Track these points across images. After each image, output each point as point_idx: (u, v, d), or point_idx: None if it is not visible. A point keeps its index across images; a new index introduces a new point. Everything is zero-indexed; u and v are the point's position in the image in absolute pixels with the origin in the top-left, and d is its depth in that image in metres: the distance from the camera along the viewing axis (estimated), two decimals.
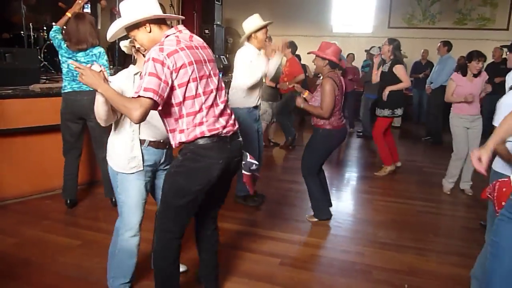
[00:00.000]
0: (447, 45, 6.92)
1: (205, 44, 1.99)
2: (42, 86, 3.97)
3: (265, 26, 3.52)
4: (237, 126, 2.03)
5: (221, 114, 1.93)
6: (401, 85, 4.83)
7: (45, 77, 4.86)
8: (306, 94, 3.58)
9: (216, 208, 2.23)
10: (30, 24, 5.88)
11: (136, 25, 1.85)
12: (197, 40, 1.94)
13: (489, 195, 1.77)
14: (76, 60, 3.31)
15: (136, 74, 2.18)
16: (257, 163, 2.19)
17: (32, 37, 5.93)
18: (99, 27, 6.28)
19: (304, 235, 3.31)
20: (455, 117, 4.29)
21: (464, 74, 4.21)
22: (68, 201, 3.66)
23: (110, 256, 2.32)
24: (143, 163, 2.15)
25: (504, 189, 1.68)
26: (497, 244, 1.58)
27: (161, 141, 2.20)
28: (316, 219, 3.57)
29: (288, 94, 6.05)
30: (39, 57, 5.58)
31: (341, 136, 3.52)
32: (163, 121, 1.91)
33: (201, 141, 1.84)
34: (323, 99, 3.29)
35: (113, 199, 3.59)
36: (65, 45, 3.39)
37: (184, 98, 1.80)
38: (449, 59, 6.75)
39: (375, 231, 3.43)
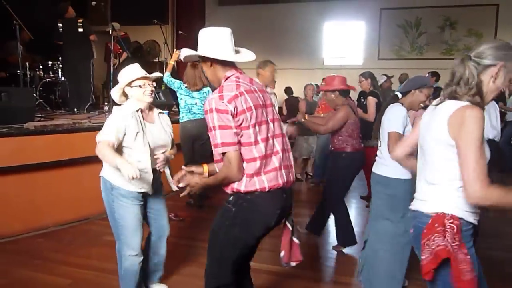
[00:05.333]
0: (435, 75, 7.10)
1: (264, 88, 2.00)
2: (36, 124, 4.02)
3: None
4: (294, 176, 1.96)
5: (282, 164, 1.86)
6: (364, 115, 4.79)
7: (40, 115, 4.93)
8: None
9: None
10: (27, 63, 6.01)
11: (201, 57, 1.89)
12: (257, 83, 1.94)
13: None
14: (192, 97, 4.52)
15: (137, 110, 2.32)
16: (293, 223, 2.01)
17: (29, 76, 6.05)
18: (94, 57, 6.45)
19: (296, 268, 3.24)
20: None
21: None
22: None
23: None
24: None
25: (436, 225, 1.52)
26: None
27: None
28: (343, 248, 3.60)
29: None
30: (35, 95, 5.67)
31: (362, 159, 3.60)
32: (217, 163, 1.85)
33: (258, 192, 1.79)
34: (332, 119, 3.46)
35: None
36: (185, 86, 4.52)
37: (244, 143, 1.77)
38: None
39: None
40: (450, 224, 1.48)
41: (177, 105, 6.18)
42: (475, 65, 1.50)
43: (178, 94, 4.64)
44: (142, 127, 2.33)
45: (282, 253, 1.98)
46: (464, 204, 1.50)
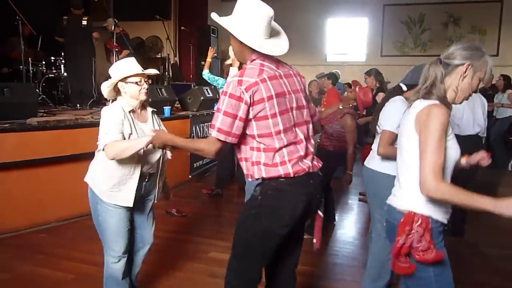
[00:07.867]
0: None
1: (292, 72, 1.86)
2: (39, 120, 4.02)
3: None
4: (320, 163, 1.88)
5: (306, 153, 1.78)
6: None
7: (43, 110, 4.94)
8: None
9: (298, 250, 2.01)
10: (29, 59, 6.02)
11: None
12: (284, 67, 1.83)
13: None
14: None
15: (130, 111, 2.17)
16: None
17: (31, 72, 6.06)
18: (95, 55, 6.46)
19: (300, 265, 3.25)
20: None
21: None
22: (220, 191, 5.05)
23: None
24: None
25: (406, 227, 1.55)
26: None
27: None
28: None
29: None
30: (38, 90, 5.68)
31: (339, 157, 3.81)
32: (235, 147, 1.79)
33: (283, 178, 1.71)
34: (348, 133, 3.74)
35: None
36: None
37: (261, 134, 1.69)
38: None
39: None
40: (418, 228, 1.52)
41: (180, 101, 6.18)
42: (444, 66, 1.58)
43: (220, 89, 4.75)
44: (134, 128, 2.16)
45: (314, 240, 2.01)
46: (432, 202, 1.53)
